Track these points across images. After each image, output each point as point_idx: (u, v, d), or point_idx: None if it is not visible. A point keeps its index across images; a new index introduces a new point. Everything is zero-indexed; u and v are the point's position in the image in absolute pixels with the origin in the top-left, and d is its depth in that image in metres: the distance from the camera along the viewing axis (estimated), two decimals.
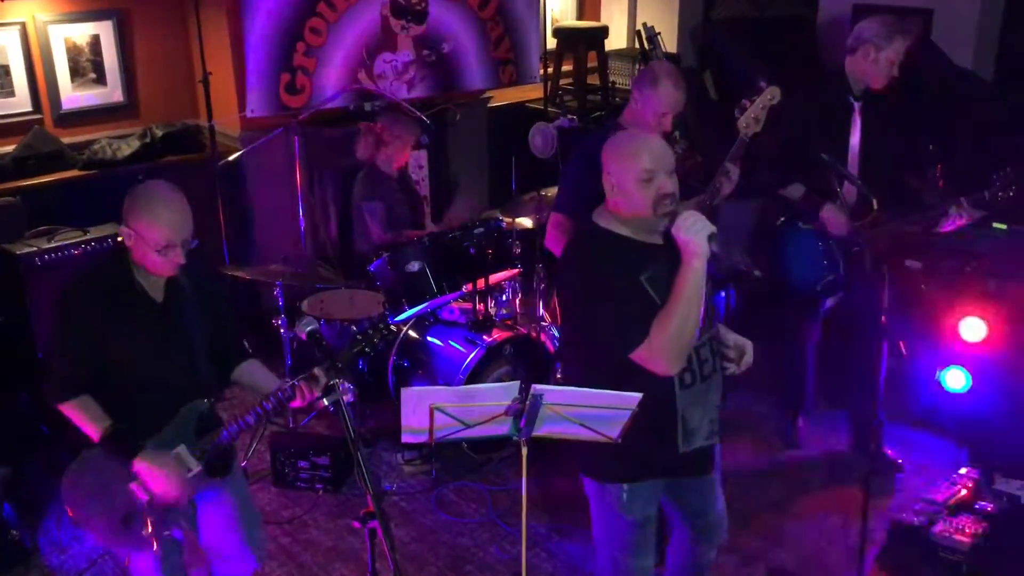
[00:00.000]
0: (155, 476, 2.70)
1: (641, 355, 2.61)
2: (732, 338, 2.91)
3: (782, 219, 4.28)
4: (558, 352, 4.80)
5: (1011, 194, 3.96)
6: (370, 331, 2.78)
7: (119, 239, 4.61)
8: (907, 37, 3.96)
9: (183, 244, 2.71)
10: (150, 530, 2.76)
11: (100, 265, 2.91)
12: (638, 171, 2.62)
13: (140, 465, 2.70)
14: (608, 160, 2.71)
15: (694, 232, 2.55)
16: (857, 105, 4.07)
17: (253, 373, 3.01)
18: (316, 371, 2.72)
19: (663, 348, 2.59)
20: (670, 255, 2.67)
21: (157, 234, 2.67)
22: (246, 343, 3.10)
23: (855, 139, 4.09)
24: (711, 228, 2.56)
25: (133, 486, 2.72)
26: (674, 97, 3.64)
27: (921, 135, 4.34)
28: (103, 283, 2.78)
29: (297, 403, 2.76)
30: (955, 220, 3.95)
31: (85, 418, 2.74)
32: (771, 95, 3.44)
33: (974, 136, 5.32)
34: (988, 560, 3.70)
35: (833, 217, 4.03)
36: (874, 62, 3.96)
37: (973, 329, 4.30)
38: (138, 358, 2.78)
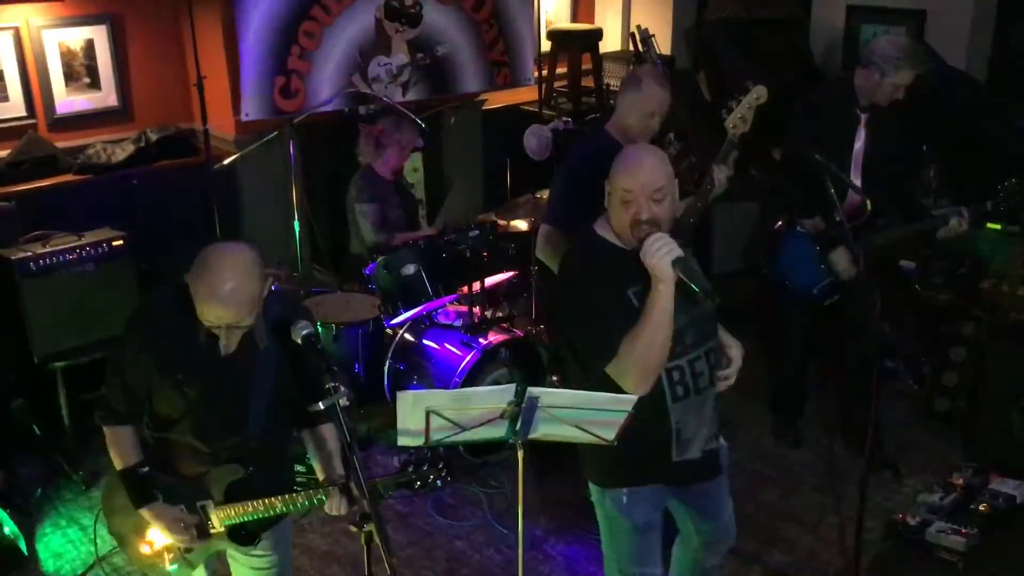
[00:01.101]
0: (157, 527, 2.70)
1: (611, 370, 2.60)
2: (729, 352, 2.87)
3: (779, 222, 4.29)
4: (554, 354, 4.81)
5: (1015, 203, 3.97)
6: (426, 469, 2.62)
7: (115, 243, 4.68)
8: (917, 68, 3.94)
9: (230, 328, 2.51)
10: (165, 564, 2.77)
11: (165, 297, 2.65)
12: (619, 190, 2.61)
13: (145, 514, 2.70)
14: (612, 169, 2.68)
15: (659, 257, 2.51)
16: (863, 116, 4.07)
17: (319, 446, 2.79)
18: (352, 486, 2.59)
19: (628, 368, 2.57)
20: None
21: (203, 308, 2.48)
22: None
23: (859, 145, 4.10)
24: (677, 253, 2.52)
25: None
26: (660, 96, 3.62)
27: (917, 138, 4.35)
28: (160, 322, 2.62)
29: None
30: (955, 229, 3.96)
31: (116, 448, 2.71)
32: (757, 94, 3.40)
33: (967, 137, 5.34)
34: (984, 560, 3.70)
35: (843, 261, 4.02)
36: (877, 84, 3.96)
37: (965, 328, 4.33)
38: (184, 405, 2.63)
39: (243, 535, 2.77)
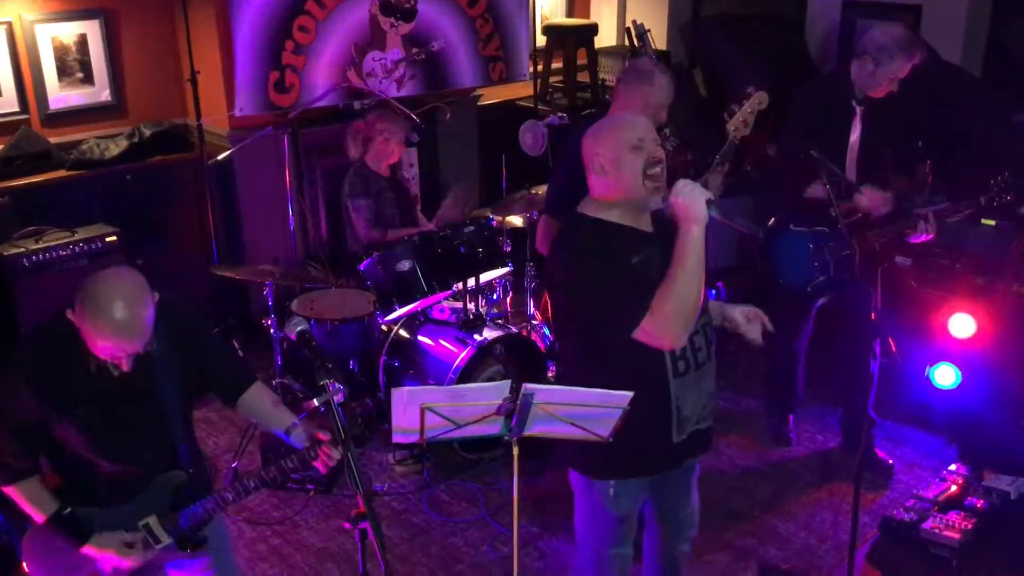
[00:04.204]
0: (105, 559, 2.62)
1: (646, 329, 2.58)
2: (739, 310, 2.89)
3: (772, 220, 4.28)
4: (550, 349, 4.81)
5: (1008, 199, 3.97)
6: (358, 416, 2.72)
7: (109, 239, 4.67)
8: (911, 57, 3.92)
9: (128, 357, 2.47)
10: None
11: (47, 334, 2.56)
12: (628, 139, 2.63)
13: (89, 551, 2.60)
14: (593, 143, 2.70)
15: (692, 197, 2.55)
16: (859, 109, 4.06)
17: (257, 407, 2.83)
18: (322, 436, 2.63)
19: (668, 319, 2.57)
20: (660, 241, 2.67)
21: (100, 343, 2.41)
22: (246, 370, 2.92)
23: (854, 138, 4.09)
24: (708, 194, 2.56)
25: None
26: (669, 89, 3.66)
27: (912, 133, 4.34)
28: (47, 361, 2.52)
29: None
30: (922, 235, 3.96)
31: (28, 503, 2.59)
32: (759, 100, 3.46)
33: (962, 132, 5.34)
34: (978, 556, 3.71)
35: (874, 196, 3.95)
36: (871, 75, 3.95)
37: (962, 326, 4.32)
38: (98, 435, 2.56)
39: (192, 541, 2.72)
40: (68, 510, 2.59)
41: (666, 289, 2.57)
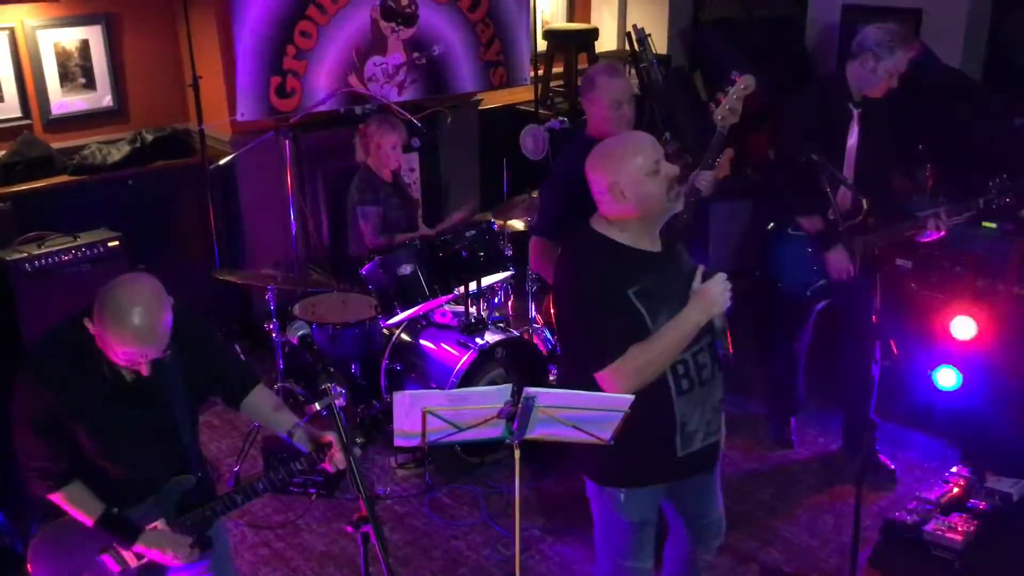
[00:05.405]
0: (158, 554, 2.61)
1: (604, 375, 2.61)
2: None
3: (772, 224, 4.28)
4: (551, 353, 4.81)
5: (1007, 200, 3.98)
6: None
7: (111, 244, 4.67)
8: (909, 49, 3.93)
9: (149, 362, 2.47)
10: None
11: (58, 340, 2.56)
12: (644, 165, 2.63)
13: (140, 548, 2.60)
14: (606, 171, 2.65)
15: (720, 291, 2.65)
16: (856, 112, 4.06)
17: (260, 410, 2.85)
18: (331, 438, 2.64)
19: (629, 375, 2.60)
20: (666, 264, 2.68)
21: (121, 351, 2.42)
22: (250, 373, 2.92)
23: (852, 141, 4.09)
24: (728, 305, 2.68)
25: (105, 557, 2.63)
26: (613, 85, 3.66)
27: (911, 135, 4.35)
28: (60, 365, 2.50)
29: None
30: (932, 232, 3.97)
31: (74, 507, 2.57)
32: (744, 84, 3.32)
33: (963, 135, 5.34)
34: (980, 558, 3.71)
35: (838, 261, 4.02)
36: (872, 72, 3.94)
37: (963, 328, 4.33)
38: (110, 440, 2.56)
39: (200, 544, 2.71)
40: (116, 509, 2.59)
41: (645, 349, 2.60)
